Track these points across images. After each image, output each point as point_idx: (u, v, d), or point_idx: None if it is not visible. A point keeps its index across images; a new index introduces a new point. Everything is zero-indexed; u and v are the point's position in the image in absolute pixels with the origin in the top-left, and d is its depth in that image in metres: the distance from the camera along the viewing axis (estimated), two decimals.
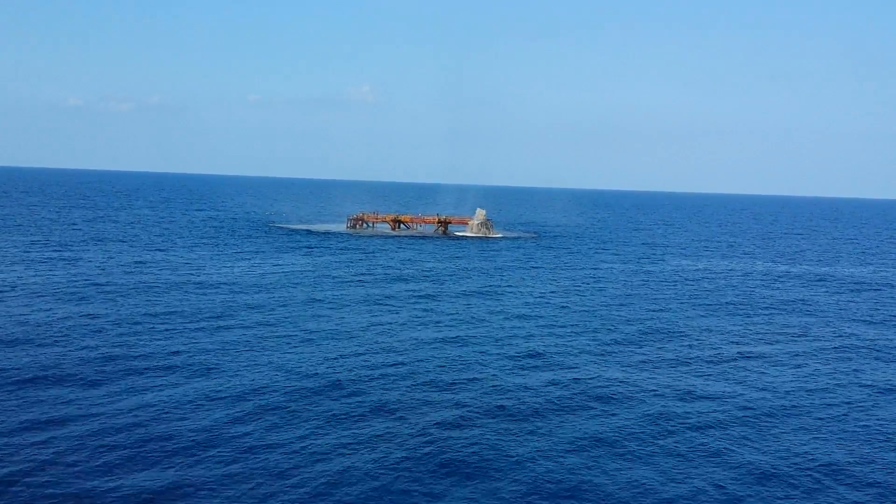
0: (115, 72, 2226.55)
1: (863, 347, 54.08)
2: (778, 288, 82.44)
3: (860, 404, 40.17)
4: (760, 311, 67.43)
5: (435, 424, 34.05)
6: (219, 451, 30.04)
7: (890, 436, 35.44)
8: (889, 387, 43.86)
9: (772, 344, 53.90)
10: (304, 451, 30.40)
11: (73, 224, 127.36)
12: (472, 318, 59.01)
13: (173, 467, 28.44)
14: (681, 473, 30.00)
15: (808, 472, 30.69)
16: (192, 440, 31.04)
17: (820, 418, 37.54)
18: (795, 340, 55.41)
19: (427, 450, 31.14)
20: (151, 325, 50.79)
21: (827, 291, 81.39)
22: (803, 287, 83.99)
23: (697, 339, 54.40)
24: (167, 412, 34.13)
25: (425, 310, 61.52)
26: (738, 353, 50.72)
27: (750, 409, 38.41)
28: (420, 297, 67.88)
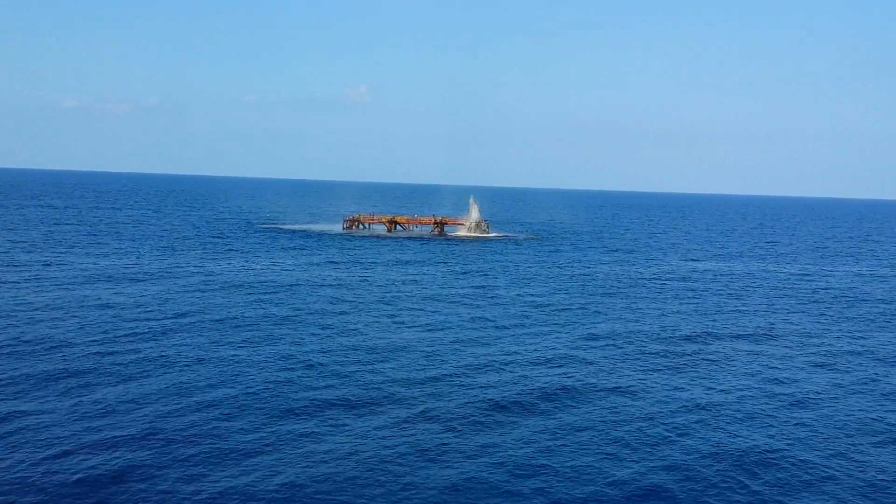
0: (112, 73, 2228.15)
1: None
2: (776, 286, 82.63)
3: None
4: (758, 310, 67.63)
5: (425, 425, 34.10)
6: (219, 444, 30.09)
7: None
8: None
9: (768, 339, 54.08)
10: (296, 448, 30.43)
11: (73, 226, 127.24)
12: (465, 316, 59.01)
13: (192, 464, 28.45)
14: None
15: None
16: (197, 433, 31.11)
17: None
18: (782, 336, 55.59)
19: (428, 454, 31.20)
20: (143, 322, 50.83)
21: (814, 288, 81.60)
22: (792, 284, 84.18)
23: (699, 336, 54.47)
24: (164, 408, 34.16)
25: (418, 309, 61.48)
26: (748, 351, 50.84)
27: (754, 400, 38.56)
28: (414, 297, 67.83)
